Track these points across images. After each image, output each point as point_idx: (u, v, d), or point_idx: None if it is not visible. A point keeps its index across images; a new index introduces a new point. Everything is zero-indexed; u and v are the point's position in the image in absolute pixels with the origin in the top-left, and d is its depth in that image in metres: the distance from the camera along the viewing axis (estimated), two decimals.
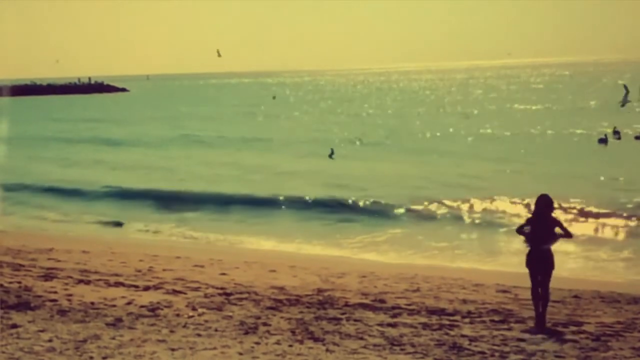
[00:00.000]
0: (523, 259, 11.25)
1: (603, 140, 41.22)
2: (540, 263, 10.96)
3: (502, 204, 25.62)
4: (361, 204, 26.82)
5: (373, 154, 43.07)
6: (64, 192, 31.63)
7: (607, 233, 21.70)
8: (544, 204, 10.96)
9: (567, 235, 11.09)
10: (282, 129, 62.01)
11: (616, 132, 43.49)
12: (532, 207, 11.47)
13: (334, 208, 26.47)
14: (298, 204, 27.37)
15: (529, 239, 11.18)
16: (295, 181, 33.17)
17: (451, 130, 54.87)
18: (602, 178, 30.21)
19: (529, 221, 11.21)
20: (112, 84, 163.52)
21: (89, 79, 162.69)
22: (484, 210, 25.23)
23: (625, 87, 40.65)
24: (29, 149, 50.52)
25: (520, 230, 11.40)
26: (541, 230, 10.91)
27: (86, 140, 57.19)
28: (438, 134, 53.03)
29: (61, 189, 32.24)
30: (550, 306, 11.68)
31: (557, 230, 11.02)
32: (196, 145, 51.86)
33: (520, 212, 23.88)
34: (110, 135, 60.34)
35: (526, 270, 11.22)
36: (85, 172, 38.45)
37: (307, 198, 28.03)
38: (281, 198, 28.36)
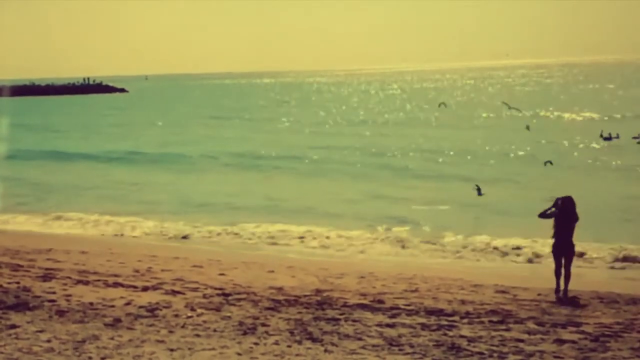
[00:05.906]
0: None
1: (608, 139, 45.58)
2: (564, 250, 13.66)
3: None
4: None
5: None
6: None
7: None
8: (570, 203, 13.57)
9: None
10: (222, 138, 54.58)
11: (608, 136, 46.48)
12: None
13: None
14: None
15: (555, 230, 13.72)
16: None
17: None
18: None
19: (554, 214, 13.66)
20: (111, 84, 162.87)
21: (88, 79, 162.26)
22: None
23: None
24: None
25: (543, 215, 13.90)
26: (565, 223, 13.56)
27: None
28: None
29: None
30: (549, 307, 12.66)
31: None
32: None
33: None
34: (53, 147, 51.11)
35: (525, 272, 11.59)
36: None
37: None
38: None
